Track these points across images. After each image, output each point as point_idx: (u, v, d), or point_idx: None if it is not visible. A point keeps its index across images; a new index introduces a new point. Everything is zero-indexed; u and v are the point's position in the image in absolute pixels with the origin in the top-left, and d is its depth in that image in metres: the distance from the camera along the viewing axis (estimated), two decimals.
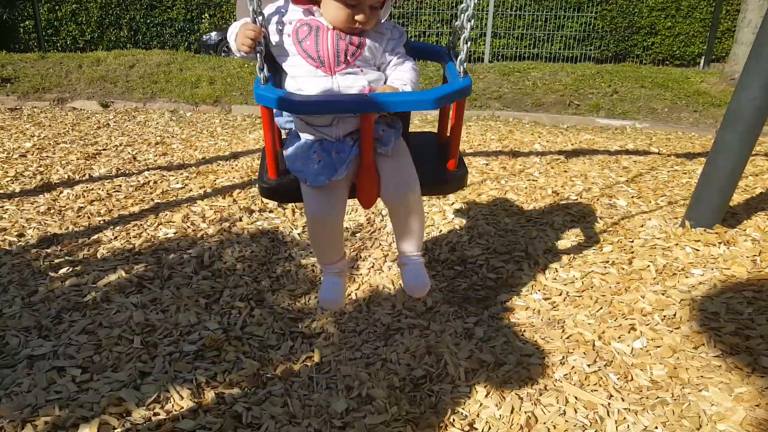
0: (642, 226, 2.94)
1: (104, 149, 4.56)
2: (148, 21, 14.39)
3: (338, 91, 1.41)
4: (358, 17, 1.36)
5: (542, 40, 13.11)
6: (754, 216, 3.03)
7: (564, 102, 7.16)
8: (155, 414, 1.64)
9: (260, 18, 1.34)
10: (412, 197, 1.47)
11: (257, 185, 1.78)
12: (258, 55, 1.36)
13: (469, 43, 1.40)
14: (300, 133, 1.50)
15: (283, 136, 1.64)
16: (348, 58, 1.41)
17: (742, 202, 3.29)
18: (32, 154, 4.38)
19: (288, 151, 1.52)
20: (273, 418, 1.65)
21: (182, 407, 1.67)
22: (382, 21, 1.49)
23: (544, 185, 3.62)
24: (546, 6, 13.82)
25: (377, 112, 1.37)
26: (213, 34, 12.17)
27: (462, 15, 1.42)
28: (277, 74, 1.49)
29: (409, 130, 1.62)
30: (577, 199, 3.37)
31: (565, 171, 3.98)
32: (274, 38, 1.42)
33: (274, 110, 1.41)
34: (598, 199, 3.36)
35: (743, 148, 2.60)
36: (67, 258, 2.55)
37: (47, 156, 4.33)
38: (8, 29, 8.90)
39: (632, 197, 3.40)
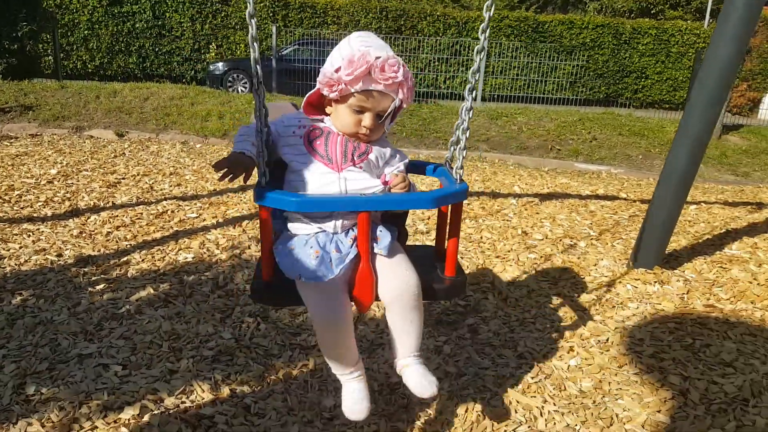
0: (594, 265, 3.41)
1: (123, 178, 5.03)
2: (157, 49, 15.02)
3: (343, 187, 1.52)
4: (365, 122, 1.50)
5: (536, 82, 13.81)
6: (694, 260, 3.50)
7: (546, 146, 7.73)
8: (183, 402, 2.07)
9: (265, 130, 1.43)
10: (412, 292, 1.50)
11: (250, 289, 1.76)
12: (260, 160, 1.43)
13: (465, 152, 1.55)
14: (294, 231, 1.56)
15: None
16: (355, 158, 1.55)
17: (689, 246, 3.77)
18: (58, 181, 4.83)
19: (281, 249, 1.51)
20: (275, 410, 2.08)
21: (204, 398, 2.10)
22: (386, 132, 1.64)
23: (516, 225, 4.10)
24: (538, 50, 14.54)
25: (375, 211, 1.45)
26: (219, 64, 12.59)
27: (457, 130, 1.59)
28: (275, 170, 1.55)
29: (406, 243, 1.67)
30: (542, 239, 3.85)
31: (537, 213, 4.47)
32: (286, 140, 1.56)
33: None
34: (561, 240, 3.84)
35: (676, 202, 3.09)
36: (102, 276, 2.99)
37: (72, 183, 4.79)
38: (32, 60, 9.48)
39: (591, 239, 3.88)
